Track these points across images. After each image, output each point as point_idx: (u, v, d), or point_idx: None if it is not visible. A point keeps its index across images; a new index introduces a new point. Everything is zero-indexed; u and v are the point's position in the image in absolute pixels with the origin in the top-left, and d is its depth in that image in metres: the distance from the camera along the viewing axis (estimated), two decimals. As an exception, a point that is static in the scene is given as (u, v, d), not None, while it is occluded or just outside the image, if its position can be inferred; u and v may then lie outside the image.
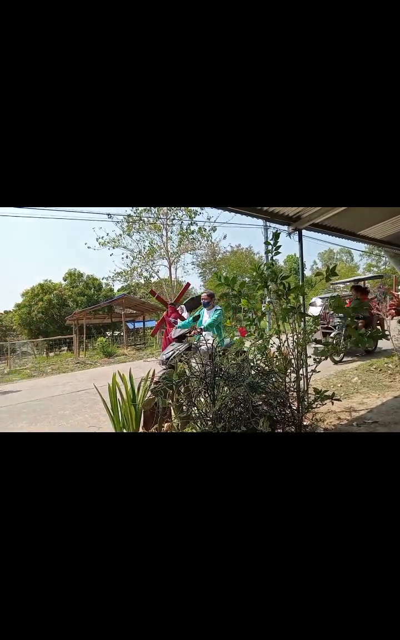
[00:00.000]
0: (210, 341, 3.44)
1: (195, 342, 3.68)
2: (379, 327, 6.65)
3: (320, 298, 8.06)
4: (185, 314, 10.64)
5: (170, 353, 3.48)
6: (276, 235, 2.63)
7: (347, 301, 5.90)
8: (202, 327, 3.85)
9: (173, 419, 2.80)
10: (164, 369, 3.38)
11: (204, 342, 3.51)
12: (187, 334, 3.80)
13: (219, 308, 4.01)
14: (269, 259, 2.83)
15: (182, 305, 11.34)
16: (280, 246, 2.64)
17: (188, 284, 9.96)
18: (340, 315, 5.74)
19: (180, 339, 3.79)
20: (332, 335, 5.94)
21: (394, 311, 6.58)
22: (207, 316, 4.12)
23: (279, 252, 2.65)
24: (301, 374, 2.51)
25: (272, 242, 2.63)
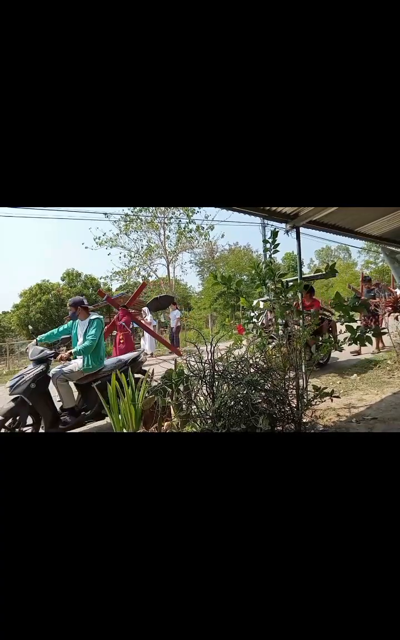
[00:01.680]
0: (75, 367, 2.88)
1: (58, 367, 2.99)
2: (331, 335, 5.26)
3: (263, 301, 6.65)
4: (148, 317, 10.06)
5: (17, 380, 2.78)
6: (274, 234, 2.64)
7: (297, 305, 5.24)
8: (74, 350, 3.02)
9: (173, 417, 2.80)
10: (11, 401, 2.75)
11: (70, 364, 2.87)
12: (50, 357, 2.91)
13: (97, 317, 3.16)
14: (268, 257, 2.84)
15: (145, 308, 10.70)
16: (278, 244, 2.64)
17: (144, 284, 9.16)
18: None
19: (39, 361, 2.88)
20: (272, 345, 5.18)
21: (391, 308, 6.58)
22: (80, 333, 3.13)
23: (278, 251, 2.66)
24: (300, 372, 2.51)
25: (270, 240, 2.64)
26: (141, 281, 16.12)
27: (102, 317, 3.20)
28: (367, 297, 5.97)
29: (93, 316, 3.16)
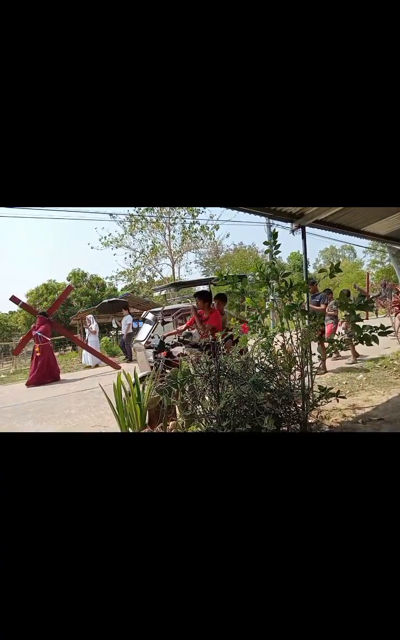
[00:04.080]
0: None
1: None
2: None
3: (153, 312, 5.38)
4: (93, 325, 9.38)
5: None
6: (274, 235, 2.65)
7: (191, 317, 4.09)
8: None
9: (178, 417, 2.81)
10: None
11: None
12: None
13: None
14: (270, 257, 2.83)
15: (90, 316, 9.12)
16: (279, 244, 2.65)
17: (69, 287, 8.17)
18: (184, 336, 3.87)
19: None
20: (150, 359, 4.00)
21: (398, 308, 6.52)
22: None
23: (279, 251, 2.66)
24: (306, 372, 2.50)
25: (271, 241, 2.65)
26: (146, 281, 16.16)
27: None
28: (312, 303, 5.08)
29: None
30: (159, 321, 4.34)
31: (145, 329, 5.57)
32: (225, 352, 2.53)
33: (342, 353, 5.70)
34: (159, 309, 4.86)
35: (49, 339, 7.36)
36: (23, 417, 4.79)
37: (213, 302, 4.08)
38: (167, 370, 3.45)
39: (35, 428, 4.04)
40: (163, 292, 3.70)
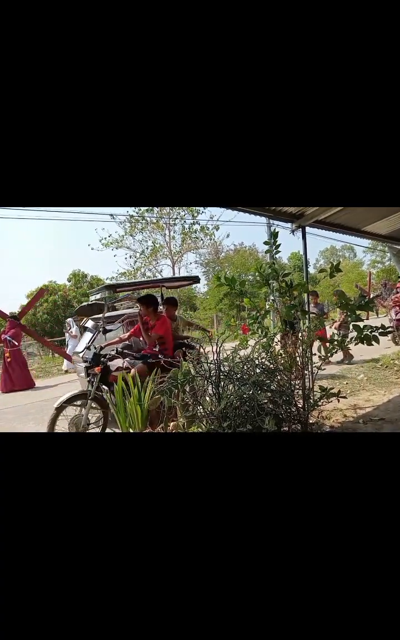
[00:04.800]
0: None
1: None
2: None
3: (94, 319, 4.82)
4: (73, 329, 8.32)
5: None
6: (274, 235, 2.65)
7: (132, 329, 3.74)
8: None
9: (179, 417, 2.81)
10: None
11: None
12: None
13: None
14: (270, 257, 2.83)
15: (69, 319, 8.48)
16: (280, 244, 2.65)
17: (42, 290, 7.64)
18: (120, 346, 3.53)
19: None
20: (82, 373, 3.46)
21: (399, 307, 6.52)
22: None
23: (279, 251, 2.67)
24: (306, 372, 2.50)
25: (271, 241, 2.65)
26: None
27: None
28: (317, 313, 5.07)
29: None
30: (100, 329, 3.54)
31: (85, 338, 4.76)
32: (177, 363, 2.37)
33: (332, 358, 5.56)
34: (99, 315, 4.10)
35: (19, 344, 7.07)
36: (25, 418, 4.80)
37: (161, 307, 3.65)
38: (103, 387, 3.02)
39: (36, 429, 4.04)
40: (97, 297, 3.35)
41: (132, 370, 3.06)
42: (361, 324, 2.35)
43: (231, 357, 2.43)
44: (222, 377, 2.27)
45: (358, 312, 2.40)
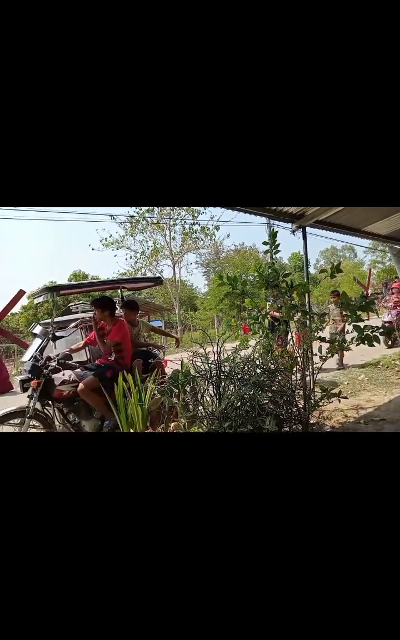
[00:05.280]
0: None
1: None
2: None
3: (43, 324, 4.23)
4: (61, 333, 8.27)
5: None
6: (273, 235, 2.65)
7: (91, 333, 3.31)
8: None
9: (179, 418, 2.81)
10: None
11: None
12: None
13: None
14: (270, 257, 2.83)
15: (36, 327, 8.12)
16: (279, 244, 2.65)
17: (21, 292, 7.08)
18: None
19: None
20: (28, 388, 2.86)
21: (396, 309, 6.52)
22: None
23: (279, 251, 2.66)
24: (307, 372, 2.50)
25: (270, 241, 2.65)
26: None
27: None
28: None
29: None
30: (50, 335, 3.09)
31: (33, 346, 4.19)
32: (138, 373, 2.19)
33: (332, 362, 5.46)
34: (48, 320, 3.57)
35: None
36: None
37: (119, 311, 3.33)
38: (46, 402, 2.68)
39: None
40: (40, 300, 3.13)
41: (80, 385, 2.70)
42: (362, 324, 2.35)
43: (232, 358, 2.42)
44: (222, 377, 2.26)
45: (359, 312, 2.39)
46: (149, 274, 15.35)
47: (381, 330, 2.32)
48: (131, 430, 2.74)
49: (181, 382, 2.39)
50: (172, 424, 2.78)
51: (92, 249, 15.40)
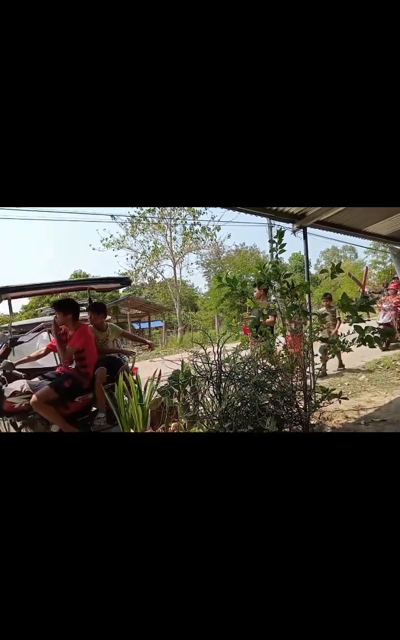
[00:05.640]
0: None
1: None
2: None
3: (2, 329, 4.09)
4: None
5: None
6: (280, 234, 2.63)
7: (52, 340, 3.05)
8: None
9: (180, 418, 2.81)
10: None
11: None
12: None
13: None
14: (274, 257, 2.82)
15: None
16: (285, 244, 2.63)
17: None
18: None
19: None
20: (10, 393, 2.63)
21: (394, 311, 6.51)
22: None
23: (284, 250, 2.65)
24: (308, 373, 2.50)
25: (276, 240, 2.63)
26: (147, 283, 16.15)
27: None
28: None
29: None
30: (7, 340, 2.86)
31: None
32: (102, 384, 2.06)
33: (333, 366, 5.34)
34: (6, 324, 3.30)
35: None
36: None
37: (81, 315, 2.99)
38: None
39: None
40: None
41: (33, 396, 2.47)
42: (363, 325, 2.34)
43: (232, 358, 2.42)
44: (223, 377, 2.26)
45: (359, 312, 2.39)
46: (149, 274, 15.35)
47: (378, 330, 2.31)
48: (132, 431, 2.74)
49: (182, 382, 2.39)
50: (173, 424, 2.77)
51: (93, 249, 15.44)
